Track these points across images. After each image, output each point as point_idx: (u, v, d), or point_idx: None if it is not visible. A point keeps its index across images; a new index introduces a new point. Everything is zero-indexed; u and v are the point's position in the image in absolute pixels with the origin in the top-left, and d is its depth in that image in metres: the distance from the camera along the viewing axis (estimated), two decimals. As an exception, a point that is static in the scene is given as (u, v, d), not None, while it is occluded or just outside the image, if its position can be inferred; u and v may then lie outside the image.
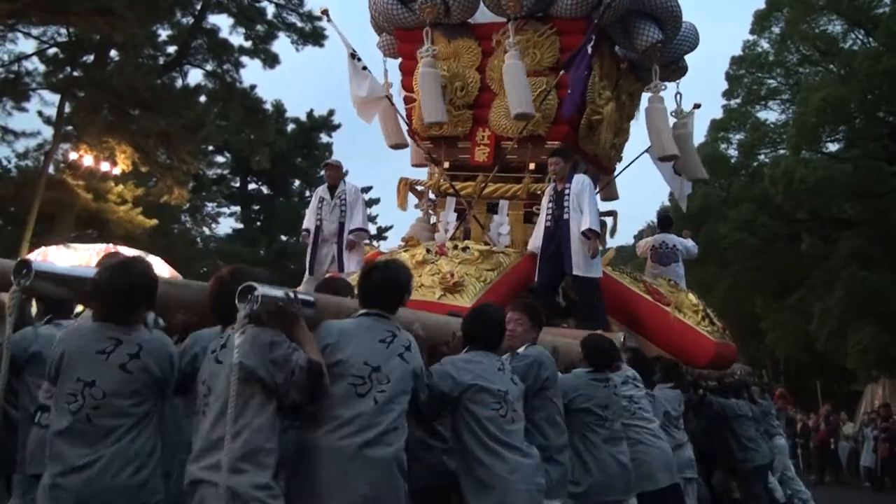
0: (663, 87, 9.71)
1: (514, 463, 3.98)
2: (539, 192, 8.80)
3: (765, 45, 27.44)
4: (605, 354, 5.39)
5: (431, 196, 9.95)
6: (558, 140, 9.13)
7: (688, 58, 10.42)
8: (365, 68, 9.46)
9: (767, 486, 9.34)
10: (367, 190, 37.91)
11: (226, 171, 35.19)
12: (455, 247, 8.14)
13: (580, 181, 8.06)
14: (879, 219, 21.37)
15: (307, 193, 37.69)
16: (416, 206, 10.10)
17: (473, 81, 9.37)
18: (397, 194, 10.02)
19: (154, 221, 24.23)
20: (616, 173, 10.76)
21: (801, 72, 27.22)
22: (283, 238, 34.38)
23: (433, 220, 9.79)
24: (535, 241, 8.26)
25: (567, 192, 8.01)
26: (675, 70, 10.38)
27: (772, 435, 10.36)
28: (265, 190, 36.51)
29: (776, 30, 26.76)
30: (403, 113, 9.72)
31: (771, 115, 28.79)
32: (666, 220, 11.74)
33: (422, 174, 10.37)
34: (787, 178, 21.61)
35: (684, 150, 10.01)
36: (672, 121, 10.05)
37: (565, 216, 7.99)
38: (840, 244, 23.19)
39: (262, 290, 3.22)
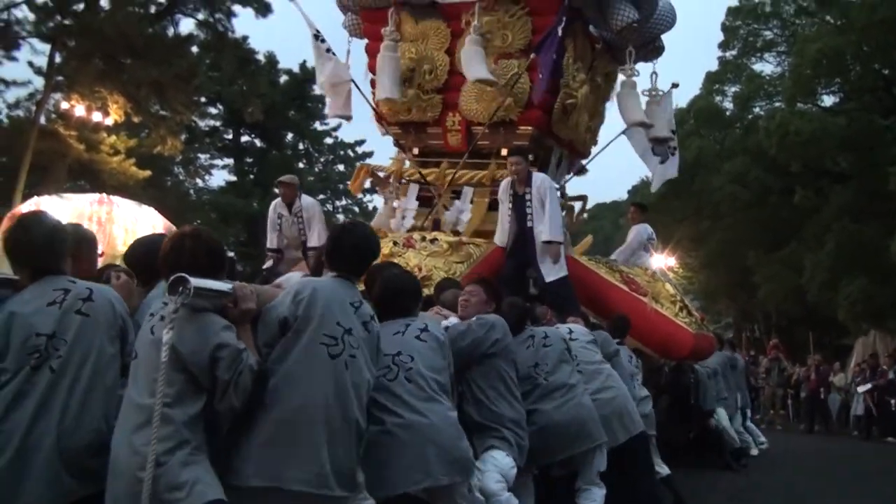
0: (636, 73, 9.40)
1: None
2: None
3: (762, -5, 27.22)
4: (517, 311, 5.30)
5: (396, 183, 9.56)
6: (530, 125, 8.92)
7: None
8: (329, 50, 9.09)
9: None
10: (360, 143, 37.85)
11: (218, 124, 34.95)
12: (423, 238, 7.87)
13: (540, 183, 7.80)
14: (872, 172, 21.34)
15: (300, 146, 37.62)
16: (379, 193, 9.79)
17: (442, 64, 9.08)
18: (353, 179, 9.81)
19: (147, 173, 24.09)
20: (590, 157, 10.54)
21: (798, 23, 27.02)
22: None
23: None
24: (500, 235, 8.08)
25: (528, 196, 7.79)
26: (653, 50, 10.09)
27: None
28: (258, 142, 36.25)
29: (774, -21, 26.53)
30: (370, 96, 9.29)
31: (766, 67, 28.68)
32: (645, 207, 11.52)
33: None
34: (781, 131, 21.55)
35: (655, 118, 9.69)
36: (645, 99, 9.77)
37: (528, 223, 7.80)
38: (832, 197, 23.20)
39: (195, 282, 2.92)
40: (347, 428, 3.31)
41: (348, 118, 9.60)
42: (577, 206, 10.40)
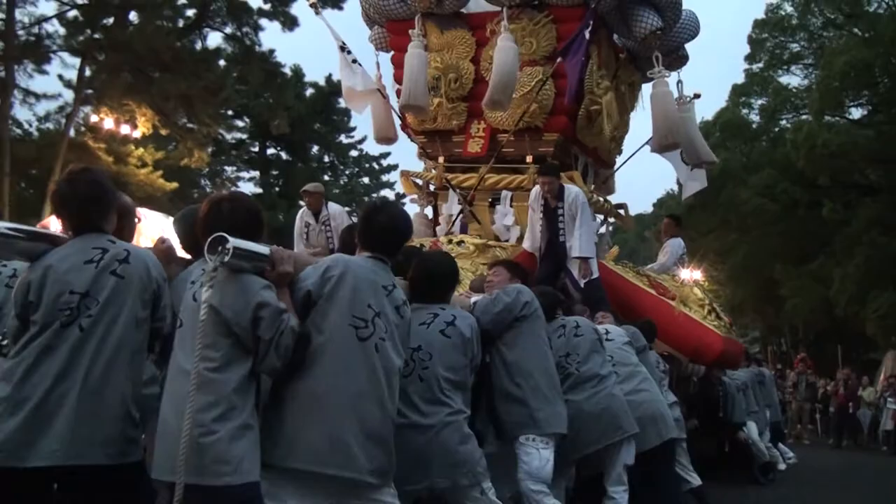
0: (667, 74, 9.32)
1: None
2: None
3: (788, 8, 27.11)
4: (548, 299, 5.23)
5: (431, 189, 9.65)
6: (556, 132, 8.94)
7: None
8: (355, 61, 9.19)
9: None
10: (385, 156, 38.03)
11: (245, 136, 35.19)
12: (450, 241, 7.92)
13: (573, 199, 7.72)
14: (901, 185, 21.22)
15: (326, 158, 37.84)
16: (412, 201, 9.86)
17: (468, 73, 9.12)
18: (405, 188, 9.87)
19: (174, 185, 24.30)
20: (616, 167, 10.53)
21: (825, 35, 26.88)
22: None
23: (431, 214, 9.54)
24: (531, 242, 8.03)
25: (560, 211, 7.73)
26: (676, 59, 10.08)
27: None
28: (284, 155, 36.46)
29: (800, -8, 26.40)
30: (396, 107, 9.26)
31: (793, 79, 28.56)
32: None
33: (419, 166, 9.99)
34: (809, 143, 21.44)
35: (689, 134, 9.65)
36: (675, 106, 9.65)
37: (560, 237, 7.75)
38: (861, 210, 23.00)
39: (234, 241, 2.89)
40: (381, 411, 3.25)
41: (394, 140, 9.76)
42: (621, 212, 10.41)
